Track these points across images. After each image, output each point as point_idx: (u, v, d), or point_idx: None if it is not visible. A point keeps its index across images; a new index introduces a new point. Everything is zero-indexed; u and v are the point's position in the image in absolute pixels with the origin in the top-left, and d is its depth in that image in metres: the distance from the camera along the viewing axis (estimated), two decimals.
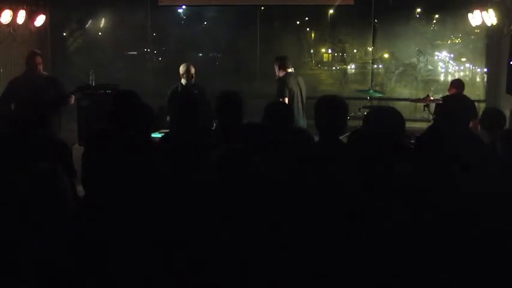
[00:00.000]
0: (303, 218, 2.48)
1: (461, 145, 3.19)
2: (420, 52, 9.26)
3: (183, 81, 6.63)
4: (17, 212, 2.33)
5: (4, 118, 4.09)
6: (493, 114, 4.49)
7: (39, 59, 6.48)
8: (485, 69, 9.08)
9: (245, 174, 2.51)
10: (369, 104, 8.22)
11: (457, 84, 6.92)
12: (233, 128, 3.80)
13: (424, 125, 7.62)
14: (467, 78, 9.20)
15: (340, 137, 3.50)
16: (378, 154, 2.93)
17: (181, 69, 6.69)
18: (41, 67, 6.50)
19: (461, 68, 9.55)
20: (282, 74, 6.82)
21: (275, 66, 6.91)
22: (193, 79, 6.63)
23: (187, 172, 3.12)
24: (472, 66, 9.41)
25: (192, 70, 6.64)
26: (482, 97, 9.04)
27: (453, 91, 6.80)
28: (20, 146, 3.40)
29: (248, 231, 2.37)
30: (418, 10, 9.30)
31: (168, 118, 6.55)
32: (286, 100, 6.64)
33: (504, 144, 3.46)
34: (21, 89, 6.15)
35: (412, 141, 4.76)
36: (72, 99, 6.64)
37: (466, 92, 7.02)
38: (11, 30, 7.74)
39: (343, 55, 9.84)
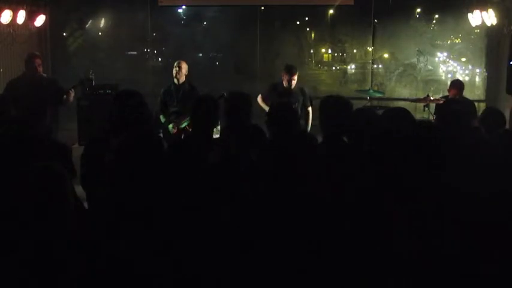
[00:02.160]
0: (307, 220, 2.47)
1: (462, 145, 3.19)
2: (420, 52, 9.26)
3: (175, 80, 6.63)
4: (17, 211, 2.33)
5: (4, 118, 4.08)
6: (493, 114, 4.48)
7: (38, 61, 6.49)
8: (485, 69, 9.08)
9: (238, 176, 2.51)
10: (369, 104, 8.22)
11: (457, 84, 6.91)
12: (242, 129, 3.79)
13: None
14: (467, 78, 9.21)
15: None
16: (384, 154, 2.93)
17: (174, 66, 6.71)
18: (40, 69, 6.50)
19: (461, 68, 9.55)
20: None
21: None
22: (181, 75, 6.59)
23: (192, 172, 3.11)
24: (472, 66, 9.41)
25: (182, 67, 6.62)
26: (482, 97, 9.04)
27: (453, 91, 6.79)
28: (20, 145, 3.40)
29: (250, 233, 2.36)
30: (418, 10, 9.30)
31: (161, 118, 6.56)
32: None
33: (504, 143, 3.46)
34: (21, 90, 6.15)
35: None
36: (72, 96, 6.57)
37: (466, 92, 7.02)
38: (11, 30, 7.75)
39: (343, 55, 9.85)
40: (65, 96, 6.47)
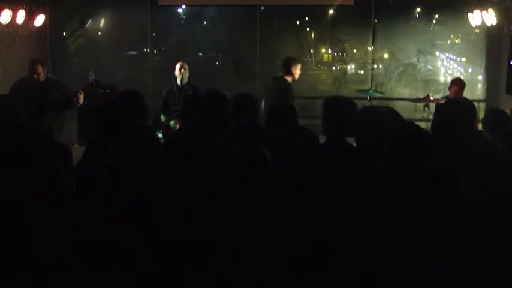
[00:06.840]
0: (313, 219, 2.46)
1: (463, 146, 3.19)
2: (420, 52, 9.26)
3: (178, 81, 6.68)
4: (17, 210, 2.33)
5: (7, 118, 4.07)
6: (496, 114, 4.46)
7: (38, 68, 6.30)
8: (485, 69, 9.08)
9: (259, 172, 2.49)
10: (368, 104, 8.22)
11: (458, 82, 6.92)
12: (249, 129, 3.78)
13: (423, 125, 7.64)
14: (467, 78, 9.20)
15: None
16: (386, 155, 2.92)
17: (176, 67, 6.75)
18: (41, 76, 6.32)
19: (461, 68, 9.55)
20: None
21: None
22: (185, 77, 6.66)
23: (194, 171, 3.10)
24: (472, 66, 9.41)
25: (184, 68, 6.68)
26: (482, 97, 9.05)
27: (454, 88, 6.78)
28: (20, 145, 3.39)
29: (261, 231, 2.35)
30: (418, 10, 9.30)
31: (162, 117, 6.58)
32: None
33: (507, 143, 3.45)
34: (24, 91, 6.09)
35: None
36: (81, 98, 6.27)
37: (466, 92, 7.02)
38: (11, 30, 7.73)
39: (343, 55, 9.84)
40: (74, 99, 6.22)
